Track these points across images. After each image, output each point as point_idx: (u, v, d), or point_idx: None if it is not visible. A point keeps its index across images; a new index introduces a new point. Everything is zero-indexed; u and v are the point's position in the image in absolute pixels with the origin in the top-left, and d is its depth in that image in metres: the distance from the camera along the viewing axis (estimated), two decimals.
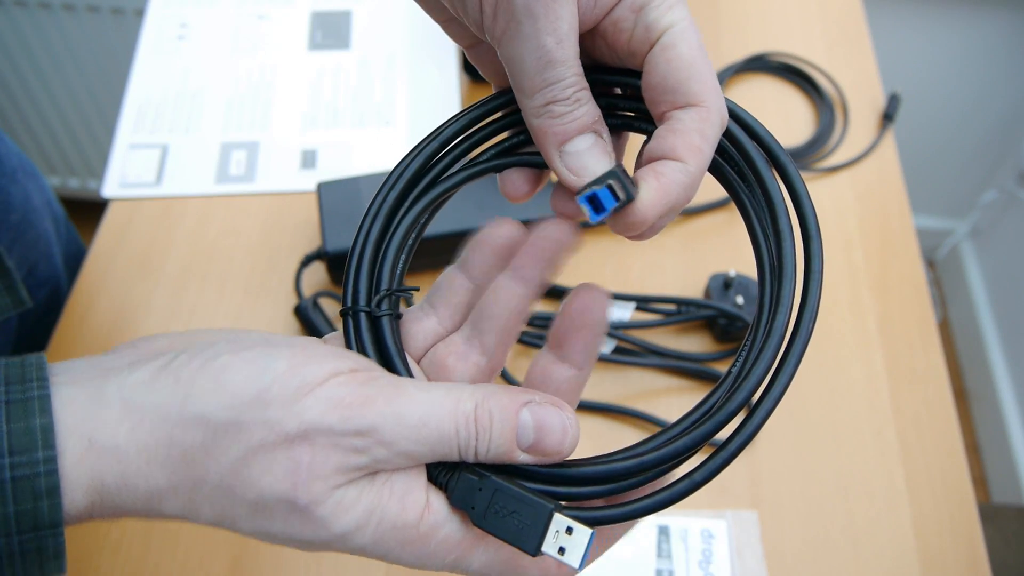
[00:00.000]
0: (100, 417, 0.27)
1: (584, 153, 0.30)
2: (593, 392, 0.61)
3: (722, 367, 0.62)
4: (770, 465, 0.58)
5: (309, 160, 0.73)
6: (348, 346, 0.31)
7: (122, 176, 0.72)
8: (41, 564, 0.27)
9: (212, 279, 0.66)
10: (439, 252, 0.64)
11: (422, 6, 0.34)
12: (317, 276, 0.66)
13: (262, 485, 0.27)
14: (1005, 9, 1.37)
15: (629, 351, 0.62)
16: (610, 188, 0.28)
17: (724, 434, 0.29)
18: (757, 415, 0.28)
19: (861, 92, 0.79)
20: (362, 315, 0.31)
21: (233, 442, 0.27)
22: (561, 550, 0.28)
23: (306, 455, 0.27)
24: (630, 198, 0.28)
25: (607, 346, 0.62)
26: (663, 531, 0.54)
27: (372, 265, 0.32)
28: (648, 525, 0.54)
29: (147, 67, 0.79)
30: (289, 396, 0.27)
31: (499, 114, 0.33)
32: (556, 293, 0.65)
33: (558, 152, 0.30)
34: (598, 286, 0.31)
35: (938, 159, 1.59)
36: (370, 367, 0.30)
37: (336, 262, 0.63)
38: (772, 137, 0.32)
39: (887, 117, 0.77)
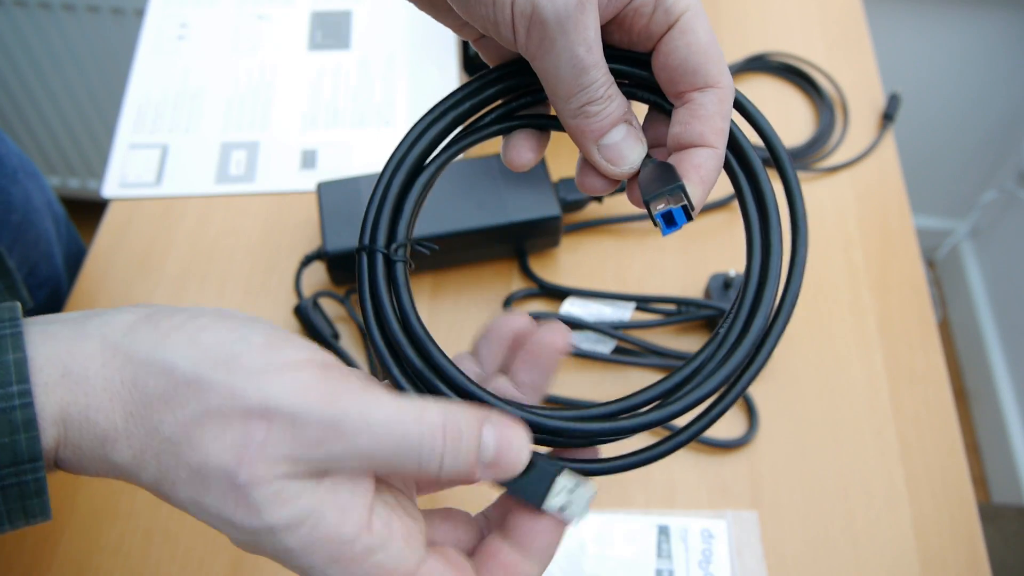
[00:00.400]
0: (77, 348, 0.28)
1: (620, 143, 0.32)
2: (593, 392, 0.61)
3: None
4: (770, 465, 0.58)
5: (309, 160, 0.73)
6: (361, 284, 0.32)
7: (122, 176, 0.72)
8: (23, 503, 0.28)
9: (212, 279, 0.67)
10: (440, 252, 0.64)
11: (432, 15, 0.34)
12: (317, 276, 0.67)
13: (208, 451, 0.27)
14: (1005, 9, 1.37)
15: (629, 351, 0.62)
16: (683, 207, 0.31)
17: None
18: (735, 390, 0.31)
19: (861, 92, 0.79)
20: (379, 256, 0.32)
21: (192, 399, 0.27)
22: (561, 508, 0.31)
23: (260, 433, 0.27)
24: (693, 206, 0.31)
25: (607, 346, 0.62)
26: (663, 531, 0.54)
27: (392, 214, 0.32)
28: (648, 525, 0.54)
29: (147, 67, 0.79)
30: (257, 368, 0.27)
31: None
32: (557, 293, 0.65)
33: (595, 146, 0.32)
34: (558, 325, 0.32)
35: (938, 159, 1.59)
36: (346, 369, 0.30)
37: (336, 262, 0.63)
38: (761, 115, 0.33)
39: (887, 117, 0.77)
